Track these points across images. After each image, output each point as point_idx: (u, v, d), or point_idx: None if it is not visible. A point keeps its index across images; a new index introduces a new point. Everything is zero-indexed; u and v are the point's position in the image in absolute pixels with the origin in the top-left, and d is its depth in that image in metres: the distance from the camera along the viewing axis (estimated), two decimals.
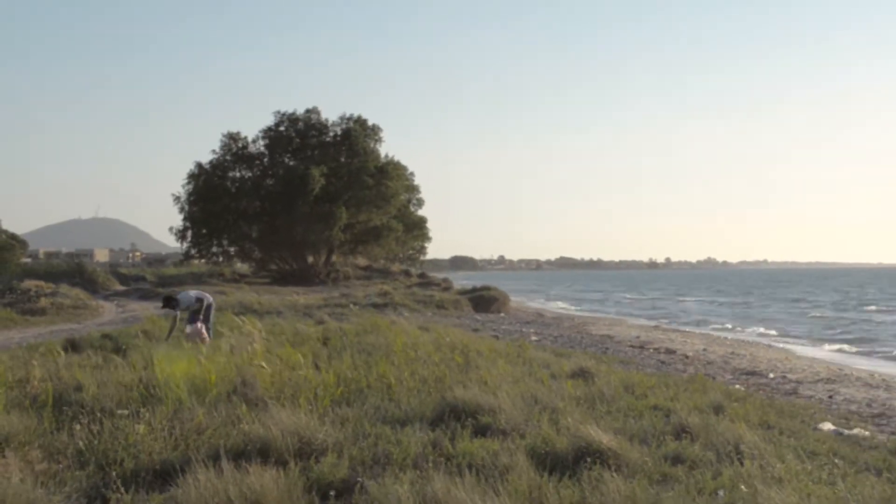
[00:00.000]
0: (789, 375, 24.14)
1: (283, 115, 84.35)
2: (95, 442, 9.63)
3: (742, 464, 9.37)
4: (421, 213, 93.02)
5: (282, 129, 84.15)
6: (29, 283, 52.37)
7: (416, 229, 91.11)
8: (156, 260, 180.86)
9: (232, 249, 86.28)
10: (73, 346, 20.09)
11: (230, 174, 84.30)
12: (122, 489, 8.06)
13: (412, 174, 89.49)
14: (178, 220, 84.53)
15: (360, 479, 8.41)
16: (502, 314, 52.99)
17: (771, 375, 23.88)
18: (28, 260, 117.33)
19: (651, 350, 31.14)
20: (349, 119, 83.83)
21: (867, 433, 13.53)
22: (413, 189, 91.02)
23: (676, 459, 9.79)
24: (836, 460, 10.30)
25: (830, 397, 19.62)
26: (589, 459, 9.19)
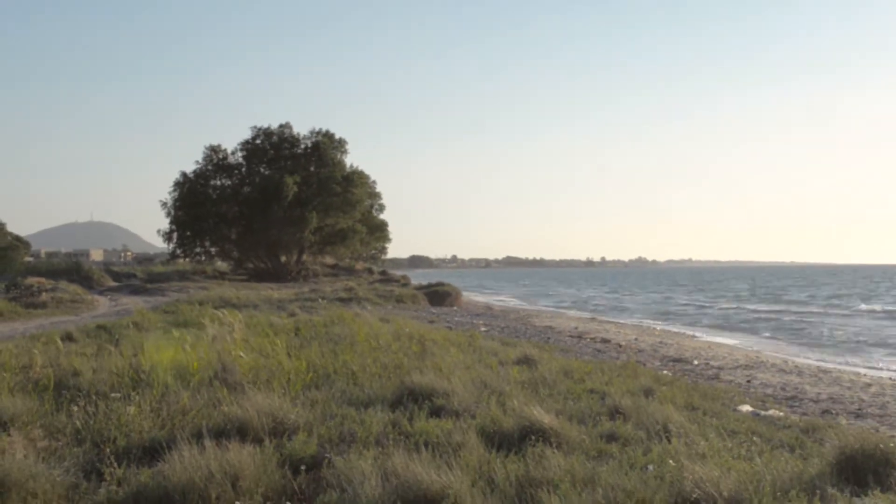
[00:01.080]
0: (712, 362, 24.25)
1: (259, 129, 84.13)
2: (91, 422, 9.59)
3: (670, 441, 9.41)
4: (382, 217, 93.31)
5: (258, 141, 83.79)
6: (32, 280, 52.35)
7: (378, 231, 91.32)
8: (145, 259, 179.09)
9: (213, 249, 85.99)
10: (70, 336, 19.96)
11: (212, 182, 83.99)
12: (115, 464, 8.02)
13: (374, 182, 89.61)
14: (165, 223, 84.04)
15: (327, 454, 8.41)
16: (455, 307, 52.89)
17: (695, 362, 23.98)
18: (31, 259, 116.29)
19: (588, 339, 31.15)
20: (318, 133, 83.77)
21: (781, 414, 13.63)
22: (375, 195, 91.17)
23: (611, 437, 9.83)
24: (754, 438, 10.35)
25: (748, 382, 19.71)
26: (533, 437, 9.20)
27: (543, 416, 9.73)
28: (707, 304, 74.68)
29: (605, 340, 30.94)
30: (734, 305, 72.41)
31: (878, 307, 63.25)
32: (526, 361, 16.92)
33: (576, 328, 38.62)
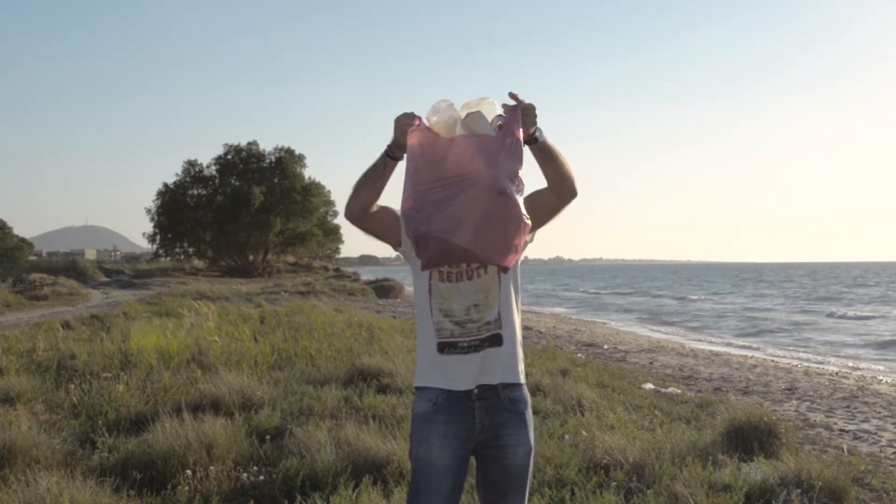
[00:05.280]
0: (619, 346, 24.02)
1: (231, 146, 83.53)
2: (86, 398, 9.46)
3: (583, 415, 9.39)
4: (336, 221, 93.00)
5: (229, 157, 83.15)
6: (35, 276, 51.93)
7: (332, 234, 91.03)
8: (132, 258, 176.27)
9: (190, 250, 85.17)
10: (68, 324, 19.69)
11: (189, 192, 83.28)
12: (107, 434, 7.94)
13: (329, 191, 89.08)
14: (149, 227, 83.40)
15: (289, 426, 8.34)
16: (398, 299, 52.67)
17: (605, 346, 23.71)
18: (34, 258, 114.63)
19: None
20: (281, 149, 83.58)
21: (679, 391, 13.63)
22: (330, 203, 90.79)
23: (533, 411, 9.78)
24: (656, 412, 10.32)
25: (651, 363, 19.48)
26: None
27: None
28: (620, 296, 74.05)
29: (527, 328, 30.65)
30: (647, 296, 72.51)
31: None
32: None
33: None
